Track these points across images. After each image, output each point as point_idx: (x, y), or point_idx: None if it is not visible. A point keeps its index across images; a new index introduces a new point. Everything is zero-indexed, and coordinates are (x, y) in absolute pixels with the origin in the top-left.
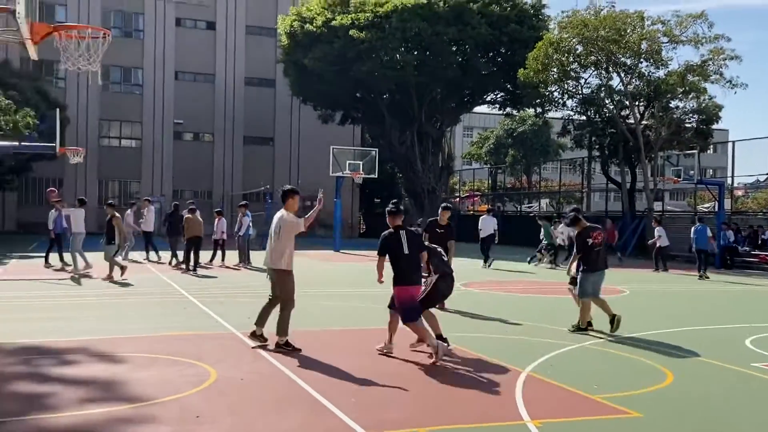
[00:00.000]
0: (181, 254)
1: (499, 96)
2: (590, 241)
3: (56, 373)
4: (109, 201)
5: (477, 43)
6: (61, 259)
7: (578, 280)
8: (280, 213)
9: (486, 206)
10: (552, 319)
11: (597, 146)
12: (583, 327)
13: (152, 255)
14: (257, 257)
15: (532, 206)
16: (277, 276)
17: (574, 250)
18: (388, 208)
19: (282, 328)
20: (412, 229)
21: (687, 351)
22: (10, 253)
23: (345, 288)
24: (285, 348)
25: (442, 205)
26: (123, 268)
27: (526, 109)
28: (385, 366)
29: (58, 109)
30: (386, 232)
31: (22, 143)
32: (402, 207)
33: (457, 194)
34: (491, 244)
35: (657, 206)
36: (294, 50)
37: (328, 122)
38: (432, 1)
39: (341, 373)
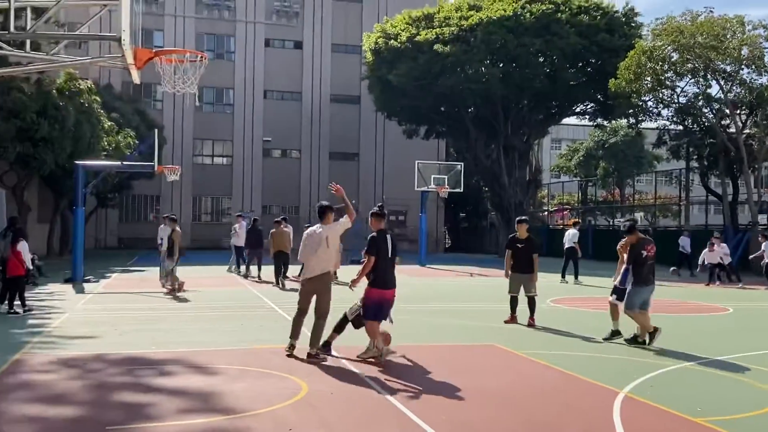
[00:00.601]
0: (254, 268)
1: (588, 107)
2: (644, 253)
3: (156, 383)
4: (172, 216)
5: (565, 53)
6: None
7: (627, 293)
8: (320, 227)
9: (573, 220)
10: None
11: (695, 157)
12: (652, 336)
13: (243, 269)
14: (344, 272)
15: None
16: (321, 282)
17: (624, 260)
18: (373, 211)
19: (317, 338)
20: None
21: None
22: (112, 268)
23: (431, 303)
24: (315, 357)
25: (518, 219)
26: (181, 284)
27: (618, 119)
28: (475, 383)
29: (156, 130)
30: (374, 233)
31: (124, 162)
32: (386, 211)
33: (546, 208)
34: (574, 258)
35: (762, 219)
36: (378, 67)
37: (412, 137)
38: (518, 13)
39: (430, 390)
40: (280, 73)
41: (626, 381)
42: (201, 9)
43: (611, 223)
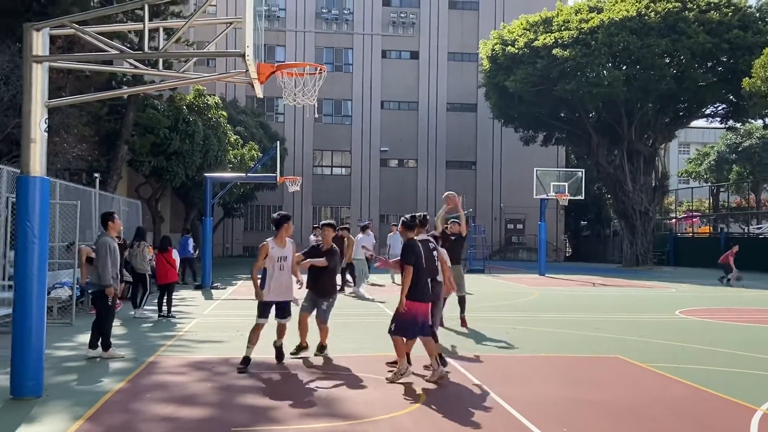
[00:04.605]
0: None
1: (719, 108)
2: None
3: (279, 387)
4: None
5: (693, 52)
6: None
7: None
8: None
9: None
10: None
11: None
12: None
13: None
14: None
15: (761, 227)
16: None
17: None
18: (403, 220)
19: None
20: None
21: None
22: (237, 275)
23: (552, 313)
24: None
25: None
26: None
27: (753, 121)
28: (597, 395)
29: (278, 142)
30: (410, 241)
31: (249, 174)
32: (417, 221)
33: (673, 215)
34: None
35: None
36: (495, 73)
37: (530, 144)
38: (642, 13)
39: (551, 401)
40: (397, 84)
41: (764, 398)
42: (320, 23)
43: (746, 230)
